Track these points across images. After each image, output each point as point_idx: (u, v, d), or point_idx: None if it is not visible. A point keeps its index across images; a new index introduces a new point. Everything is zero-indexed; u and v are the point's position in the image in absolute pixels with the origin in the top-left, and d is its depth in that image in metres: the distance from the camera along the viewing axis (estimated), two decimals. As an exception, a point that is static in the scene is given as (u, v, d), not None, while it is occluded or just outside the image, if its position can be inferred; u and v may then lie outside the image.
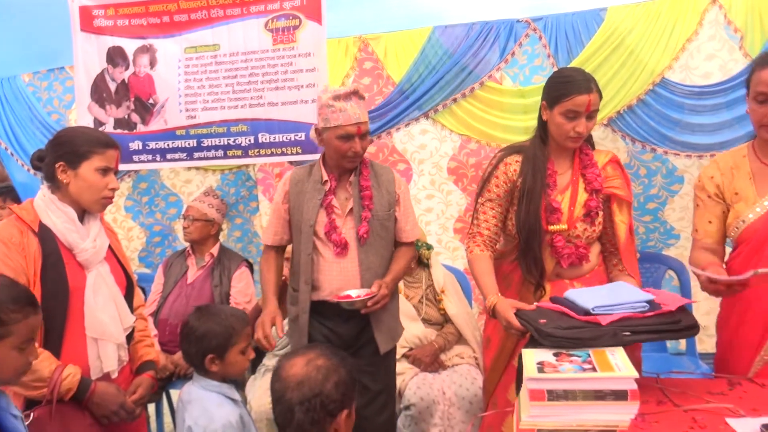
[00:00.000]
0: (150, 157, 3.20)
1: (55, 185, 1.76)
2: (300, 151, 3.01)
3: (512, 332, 1.74)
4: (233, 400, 1.78)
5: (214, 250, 3.11)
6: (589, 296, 1.64)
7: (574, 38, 2.98)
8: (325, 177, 2.13)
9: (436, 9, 3.13)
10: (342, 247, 2.10)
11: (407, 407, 2.53)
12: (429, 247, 2.96)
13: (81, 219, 1.78)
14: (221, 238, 3.30)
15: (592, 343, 1.47)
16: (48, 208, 1.73)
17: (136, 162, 3.23)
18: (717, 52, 2.87)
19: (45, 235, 1.71)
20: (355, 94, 2.06)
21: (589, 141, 2.06)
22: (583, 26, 2.97)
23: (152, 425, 2.84)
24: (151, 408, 2.82)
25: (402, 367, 2.60)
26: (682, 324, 1.52)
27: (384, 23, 3.17)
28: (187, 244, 3.17)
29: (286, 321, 2.35)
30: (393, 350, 2.28)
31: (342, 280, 2.11)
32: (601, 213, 1.97)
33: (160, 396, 2.90)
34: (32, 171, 3.64)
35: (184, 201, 3.60)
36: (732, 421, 1.35)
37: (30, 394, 1.62)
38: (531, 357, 1.42)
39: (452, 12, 3.12)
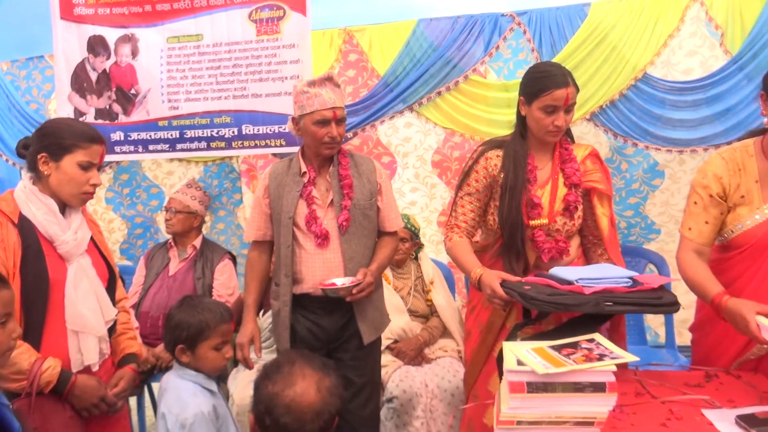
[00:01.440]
0: (132, 148, 3.16)
1: (37, 176, 1.74)
2: (284, 143, 3.00)
3: (495, 302, 1.77)
4: (210, 390, 1.77)
5: (197, 242, 3.09)
6: (574, 272, 1.69)
7: (558, 33, 2.99)
8: (304, 168, 2.13)
9: (421, 2, 3.14)
10: (323, 238, 2.10)
11: (390, 400, 2.54)
12: (416, 235, 2.95)
13: (63, 211, 1.76)
14: (204, 230, 3.28)
15: (575, 308, 1.53)
16: (28, 199, 1.71)
17: (117, 153, 3.18)
18: (698, 49, 2.90)
19: (25, 227, 1.68)
20: (330, 80, 2.07)
21: (568, 134, 2.08)
22: (566, 21, 2.98)
23: (134, 418, 2.82)
24: (133, 401, 2.80)
25: (385, 359, 2.61)
26: (664, 300, 1.55)
27: (369, 15, 3.17)
28: (170, 237, 3.15)
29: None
30: (378, 343, 2.29)
31: (325, 271, 2.10)
32: (580, 207, 1.99)
33: (141, 389, 2.88)
34: (10, 161, 3.58)
35: (166, 193, 3.56)
36: (708, 413, 1.38)
37: (9, 386, 1.60)
38: (512, 350, 1.43)
39: (437, 5, 3.12)
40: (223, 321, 1.78)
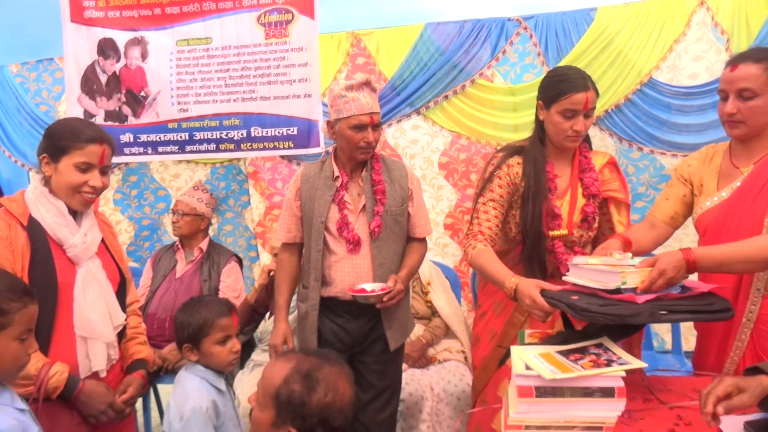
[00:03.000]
0: (141, 149, 3.18)
1: (44, 177, 1.73)
2: (292, 145, 3.02)
3: (536, 313, 1.65)
4: (217, 388, 1.78)
5: (203, 244, 3.10)
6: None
7: (564, 37, 3.01)
8: (337, 172, 2.10)
9: (428, 6, 3.15)
10: (355, 244, 2.07)
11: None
12: None
13: (74, 213, 1.74)
14: (211, 232, 3.29)
15: (630, 319, 1.41)
16: (38, 200, 1.68)
17: (127, 155, 3.21)
18: (704, 53, 2.91)
19: (34, 229, 1.65)
20: (368, 84, 2.05)
21: (587, 141, 2.04)
22: (573, 25, 3.00)
23: (139, 419, 2.84)
24: (138, 403, 2.81)
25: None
26: (716, 306, 1.46)
27: (376, 19, 3.18)
28: (176, 239, 3.16)
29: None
30: (401, 347, 2.26)
31: (354, 276, 2.08)
32: (597, 218, 1.96)
33: (147, 390, 2.89)
34: (19, 162, 3.60)
35: (172, 195, 3.58)
36: (715, 418, 1.38)
37: (16, 391, 1.59)
38: (519, 355, 1.44)
39: (444, 9, 3.13)
40: (221, 315, 1.79)
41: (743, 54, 1.71)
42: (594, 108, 1.89)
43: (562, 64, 2.94)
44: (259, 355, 2.88)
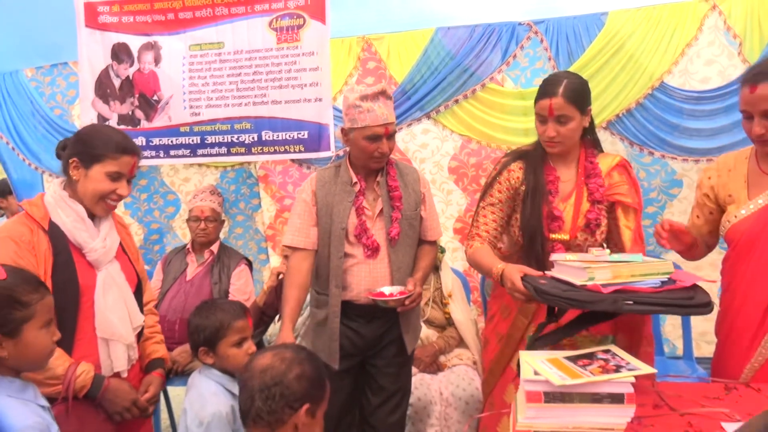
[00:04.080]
0: (154, 153, 3.21)
1: (68, 180, 1.75)
2: (302, 149, 3.03)
3: (516, 296, 1.70)
4: (232, 393, 1.79)
5: (214, 247, 3.12)
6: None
7: (575, 42, 3.00)
8: (354, 179, 2.09)
9: (439, 10, 3.15)
10: (374, 250, 2.07)
11: (405, 406, 2.55)
12: (442, 251, 2.98)
13: (92, 216, 1.76)
14: (222, 235, 3.31)
15: (589, 305, 1.45)
16: (58, 205, 1.70)
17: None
18: (716, 58, 2.89)
19: (55, 234, 1.68)
20: (383, 94, 2.01)
21: (595, 146, 2.03)
22: (584, 30, 2.99)
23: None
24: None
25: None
26: (695, 300, 1.44)
27: (387, 24, 3.19)
28: (188, 241, 3.18)
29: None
30: (412, 351, 2.27)
31: (371, 280, 2.08)
32: (603, 223, 1.94)
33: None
34: (33, 165, 3.64)
35: (182, 199, 3.61)
36: (728, 426, 1.37)
37: (44, 391, 1.59)
38: (528, 360, 1.44)
39: (455, 14, 3.13)
40: (237, 318, 1.81)
41: (761, 71, 1.67)
42: (567, 116, 1.86)
43: (572, 68, 2.94)
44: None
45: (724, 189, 1.82)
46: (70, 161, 1.73)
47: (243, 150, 3.10)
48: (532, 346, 1.65)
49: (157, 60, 3.13)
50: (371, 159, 2.05)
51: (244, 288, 3.04)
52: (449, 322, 2.88)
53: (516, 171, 1.99)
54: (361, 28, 3.21)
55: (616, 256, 1.61)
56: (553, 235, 1.91)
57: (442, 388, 2.60)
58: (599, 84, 2.93)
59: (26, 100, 3.63)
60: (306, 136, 2.98)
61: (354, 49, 3.24)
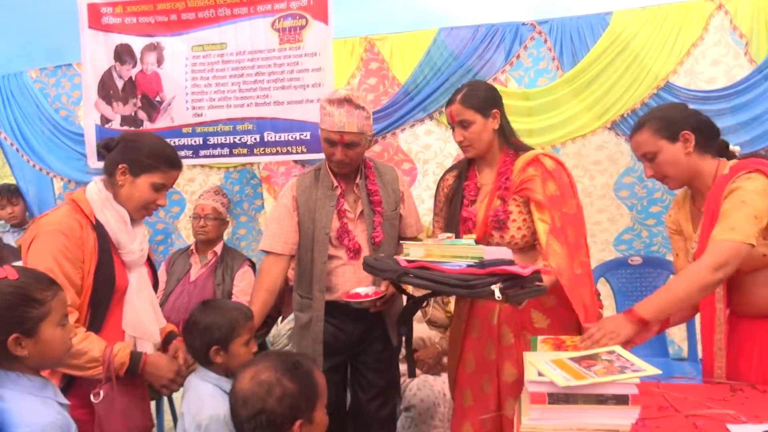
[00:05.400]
0: (155, 154, 3.21)
1: (111, 182, 1.78)
2: (305, 150, 3.02)
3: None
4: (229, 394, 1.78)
5: (218, 248, 3.12)
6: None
7: (579, 42, 2.98)
8: (335, 182, 2.12)
9: (442, 11, 3.14)
10: (355, 252, 2.10)
11: (408, 408, 2.54)
12: None
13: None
14: (225, 236, 3.32)
15: (380, 273, 1.66)
16: (103, 204, 1.74)
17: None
18: (722, 58, 2.87)
19: (100, 231, 1.72)
20: (348, 101, 2.01)
21: (519, 147, 2.03)
22: (588, 30, 2.97)
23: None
24: (152, 405, 2.83)
25: (403, 368, 2.61)
26: (478, 286, 1.44)
27: (390, 24, 3.18)
28: (192, 242, 3.18)
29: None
30: (398, 344, 2.29)
31: (355, 281, 2.11)
32: (514, 218, 1.92)
33: (160, 393, 2.90)
34: (37, 167, 3.65)
35: (187, 199, 3.61)
36: (733, 428, 1.35)
37: (84, 374, 1.64)
38: (532, 361, 1.43)
39: (458, 14, 3.12)
40: (249, 317, 1.83)
41: (638, 121, 1.81)
42: (467, 120, 1.95)
43: (577, 68, 2.93)
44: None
45: (681, 225, 1.86)
46: (119, 166, 1.76)
47: (245, 151, 3.10)
48: (535, 347, 1.66)
49: (159, 61, 3.13)
50: (330, 162, 2.10)
51: (248, 289, 3.03)
52: (450, 321, 2.86)
53: (449, 179, 2.12)
54: (363, 28, 3.21)
55: (461, 241, 1.74)
56: (465, 236, 1.93)
57: (446, 389, 2.59)
58: (604, 84, 2.92)
59: (31, 101, 3.64)
60: (308, 137, 2.97)
61: (357, 50, 3.24)
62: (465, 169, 2.08)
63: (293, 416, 1.35)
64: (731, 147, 1.79)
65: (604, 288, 3.13)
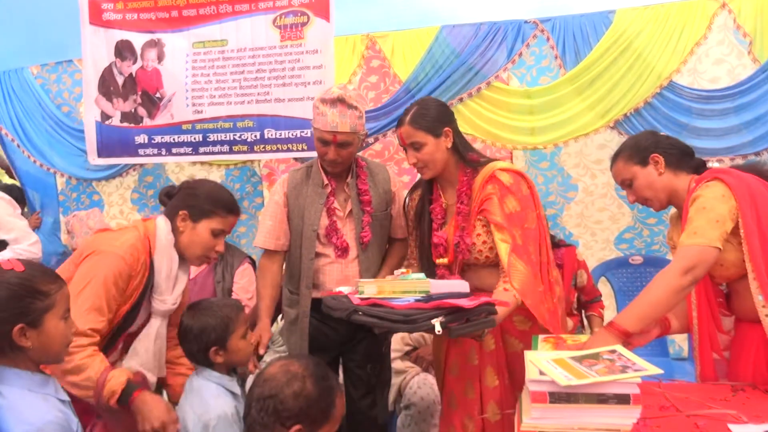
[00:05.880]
0: (156, 150, 3.20)
1: (173, 226, 1.79)
2: (305, 147, 3.01)
3: None
4: (233, 393, 1.77)
5: (218, 245, 3.11)
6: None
7: (582, 40, 2.98)
8: (326, 181, 2.12)
9: (444, 8, 3.14)
10: (343, 250, 2.11)
11: (407, 407, 2.53)
12: None
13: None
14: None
15: (332, 311, 1.65)
16: (164, 250, 1.75)
17: (142, 156, 3.23)
18: (725, 57, 2.86)
19: (151, 271, 1.74)
20: (341, 101, 2.00)
21: (478, 163, 1.94)
22: (591, 28, 2.97)
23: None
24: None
25: (404, 365, 2.61)
26: (419, 321, 1.45)
27: (392, 22, 3.18)
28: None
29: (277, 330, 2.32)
30: (388, 343, 2.31)
31: (342, 279, 2.11)
32: (482, 239, 1.89)
33: (160, 393, 2.90)
34: (39, 163, 3.65)
35: (188, 196, 3.60)
36: (734, 427, 1.35)
37: (81, 393, 1.57)
38: (533, 360, 1.42)
39: (460, 12, 3.12)
40: (240, 309, 1.81)
41: (616, 151, 1.87)
42: (418, 142, 1.87)
43: (580, 66, 2.92)
44: (272, 357, 2.87)
45: (674, 240, 1.87)
46: (180, 212, 1.78)
47: (245, 148, 3.09)
48: (536, 346, 1.65)
49: (160, 57, 3.13)
50: (323, 161, 2.09)
51: (248, 287, 3.02)
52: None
53: (415, 199, 2.07)
54: (365, 26, 3.20)
55: (413, 275, 1.73)
56: (438, 260, 1.94)
57: (446, 388, 2.58)
58: (606, 83, 2.91)
59: (32, 97, 3.64)
60: (309, 135, 2.96)
61: (358, 47, 3.23)
62: (427, 189, 2.01)
63: (298, 418, 1.33)
64: (709, 164, 1.84)
65: (605, 287, 3.12)
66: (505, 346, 1.91)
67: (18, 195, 3.61)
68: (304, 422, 1.33)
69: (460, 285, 1.70)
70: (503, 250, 1.81)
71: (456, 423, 1.98)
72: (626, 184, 1.84)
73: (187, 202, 1.79)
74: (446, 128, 1.90)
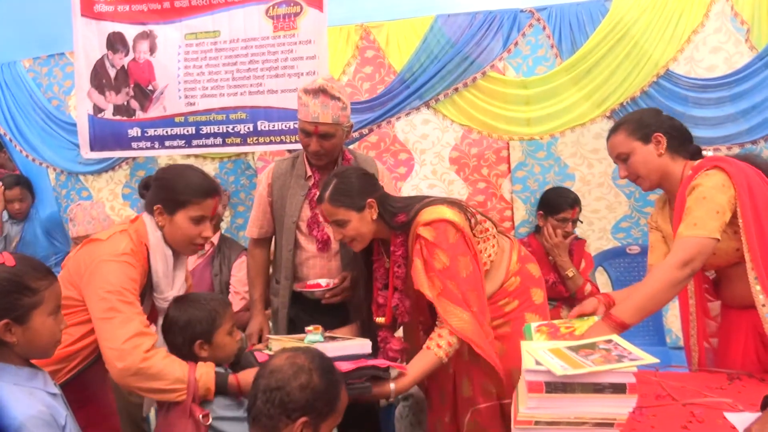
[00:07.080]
0: (148, 144, 3.18)
1: (155, 222, 1.76)
2: (298, 139, 3.00)
3: None
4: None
5: (215, 238, 3.09)
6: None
7: (578, 28, 2.95)
8: (309, 172, 2.12)
9: (439, -3, 3.11)
10: (324, 243, 2.11)
11: (405, 398, 2.53)
12: None
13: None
14: (224, 225, 3.30)
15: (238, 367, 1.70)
16: (157, 249, 1.73)
17: (134, 149, 3.21)
18: (723, 45, 2.85)
19: (150, 275, 1.74)
20: (323, 92, 1.98)
21: (406, 224, 1.82)
22: (587, 16, 2.94)
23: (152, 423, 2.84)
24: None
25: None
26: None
27: (386, 11, 3.15)
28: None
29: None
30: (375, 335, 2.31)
31: (324, 272, 2.13)
32: (409, 303, 1.87)
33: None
34: (30, 157, 3.62)
35: (181, 190, 3.58)
36: (730, 416, 1.35)
37: (166, 397, 1.57)
38: (529, 350, 1.41)
39: (455, 1, 3.10)
40: (227, 305, 1.81)
41: (615, 124, 1.89)
42: (339, 219, 1.80)
43: (576, 55, 2.90)
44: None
45: (662, 226, 1.90)
46: (155, 207, 1.73)
47: (239, 140, 3.07)
48: (529, 335, 1.64)
49: (152, 49, 3.10)
50: (307, 153, 2.08)
51: (245, 279, 3.01)
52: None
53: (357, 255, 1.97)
54: (359, 15, 3.17)
55: (317, 335, 1.77)
56: (378, 319, 1.91)
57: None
58: (603, 72, 2.89)
59: (24, 91, 3.60)
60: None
61: (352, 38, 3.20)
62: (367, 249, 1.91)
63: (304, 410, 1.32)
64: (704, 153, 1.84)
65: (601, 277, 3.11)
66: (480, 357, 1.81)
67: (27, 185, 3.59)
68: (310, 414, 1.32)
69: (360, 346, 1.70)
70: (432, 295, 1.72)
71: (432, 421, 1.99)
72: (621, 158, 1.83)
73: (160, 195, 1.74)
74: (369, 200, 1.81)
